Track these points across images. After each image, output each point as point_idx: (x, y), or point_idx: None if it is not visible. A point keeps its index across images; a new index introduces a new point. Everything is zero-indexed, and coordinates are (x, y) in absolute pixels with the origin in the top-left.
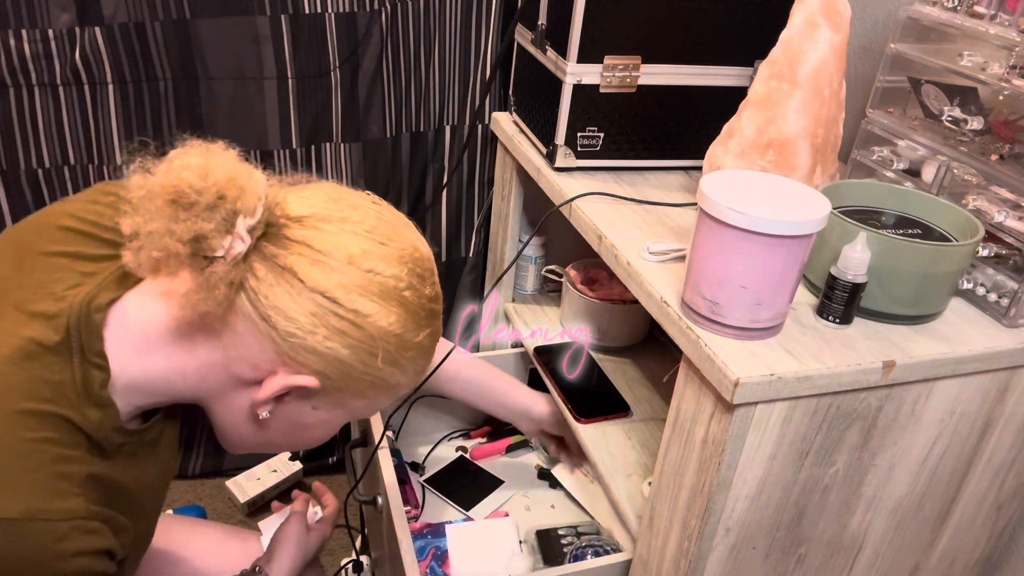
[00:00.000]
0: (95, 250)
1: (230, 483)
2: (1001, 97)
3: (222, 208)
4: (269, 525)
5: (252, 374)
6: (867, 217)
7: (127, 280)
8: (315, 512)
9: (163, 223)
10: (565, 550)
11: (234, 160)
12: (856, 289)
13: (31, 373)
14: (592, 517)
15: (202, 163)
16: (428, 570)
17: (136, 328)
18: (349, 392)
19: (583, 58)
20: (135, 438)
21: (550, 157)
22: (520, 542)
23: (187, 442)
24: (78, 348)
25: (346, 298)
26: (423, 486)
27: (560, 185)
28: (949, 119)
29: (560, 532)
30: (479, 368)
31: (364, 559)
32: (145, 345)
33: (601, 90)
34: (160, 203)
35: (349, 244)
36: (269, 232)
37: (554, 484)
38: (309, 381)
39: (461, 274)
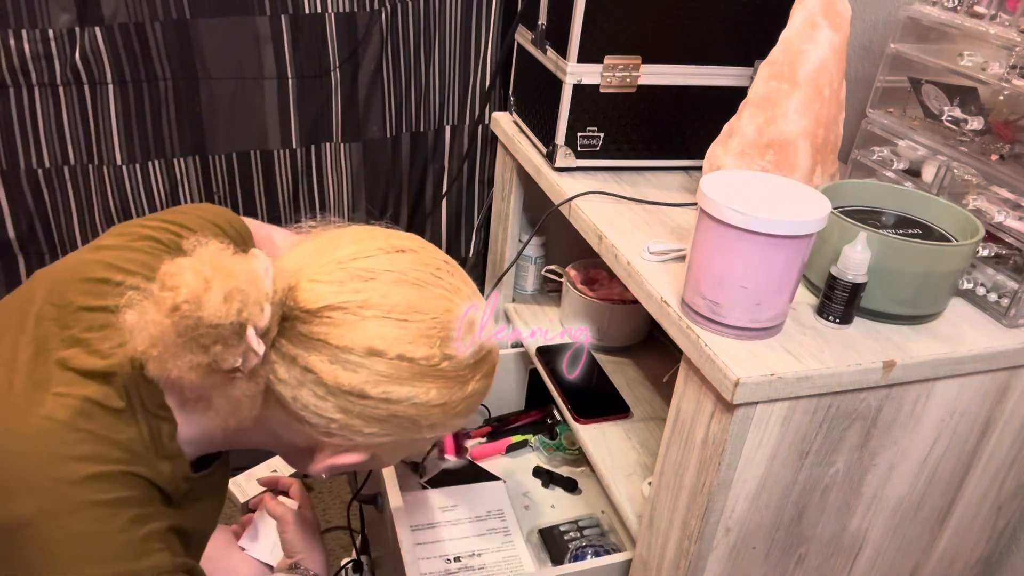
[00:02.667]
0: None
1: (230, 483)
2: (1001, 97)
3: (231, 326)
4: (267, 523)
5: (305, 444)
6: (867, 217)
7: None
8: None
9: (173, 346)
10: (570, 545)
11: (230, 261)
12: (856, 289)
13: (95, 435)
14: None
15: (195, 284)
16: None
17: (188, 389)
18: (399, 450)
19: (583, 58)
20: (200, 483)
21: (550, 157)
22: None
23: None
24: (140, 403)
25: (375, 391)
26: (423, 487)
27: (560, 185)
28: (949, 119)
29: (563, 528)
30: None
31: (364, 559)
32: (199, 408)
33: (601, 90)
34: (168, 332)
35: (370, 335)
36: (285, 327)
37: (547, 483)
38: (356, 458)
39: None
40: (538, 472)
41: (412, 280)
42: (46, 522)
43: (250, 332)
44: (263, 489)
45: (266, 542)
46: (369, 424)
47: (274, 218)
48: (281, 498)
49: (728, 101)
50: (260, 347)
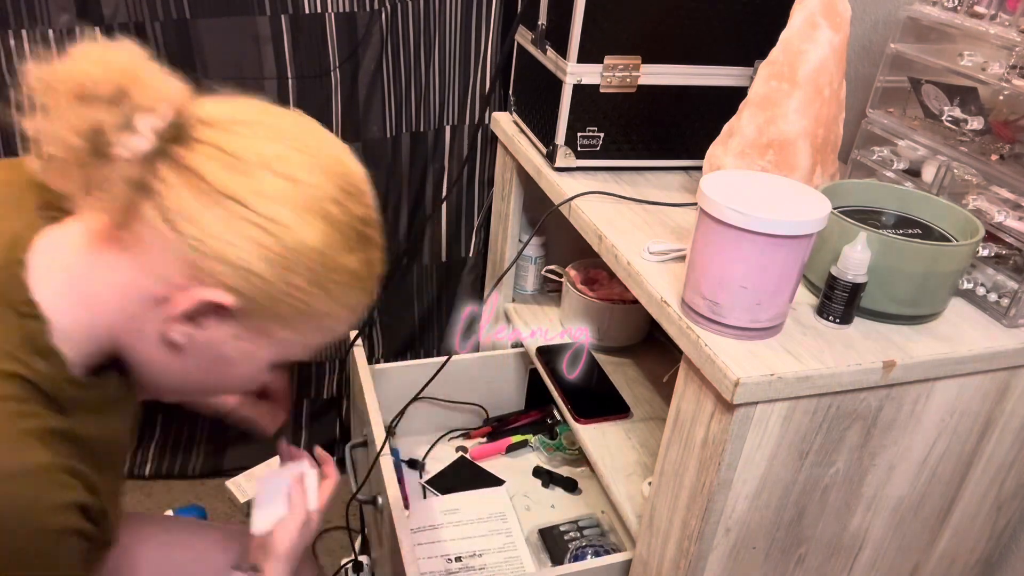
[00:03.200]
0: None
1: (230, 483)
2: (1001, 97)
3: (125, 104)
4: (267, 482)
5: (164, 290)
6: (867, 217)
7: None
8: (312, 474)
9: (62, 116)
10: (570, 545)
11: (143, 59)
12: (856, 289)
13: None
14: None
15: (104, 54)
16: None
17: (57, 266)
18: (272, 317)
19: (583, 58)
20: (93, 392)
21: (550, 157)
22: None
23: (187, 442)
24: (8, 301)
25: (260, 204)
26: (424, 487)
27: (560, 185)
28: (949, 119)
29: (563, 528)
30: None
31: (364, 559)
32: (68, 279)
33: (601, 90)
34: (61, 100)
35: (264, 148)
36: (179, 136)
37: (547, 483)
38: (223, 297)
39: (461, 274)
40: (538, 472)
41: (314, 133)
42: None
43: (142, 118)
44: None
45: (265, 489)
46: (245, 245)
47: None
48: (310, 466)
49: (728, 101)
50: (149, 135)
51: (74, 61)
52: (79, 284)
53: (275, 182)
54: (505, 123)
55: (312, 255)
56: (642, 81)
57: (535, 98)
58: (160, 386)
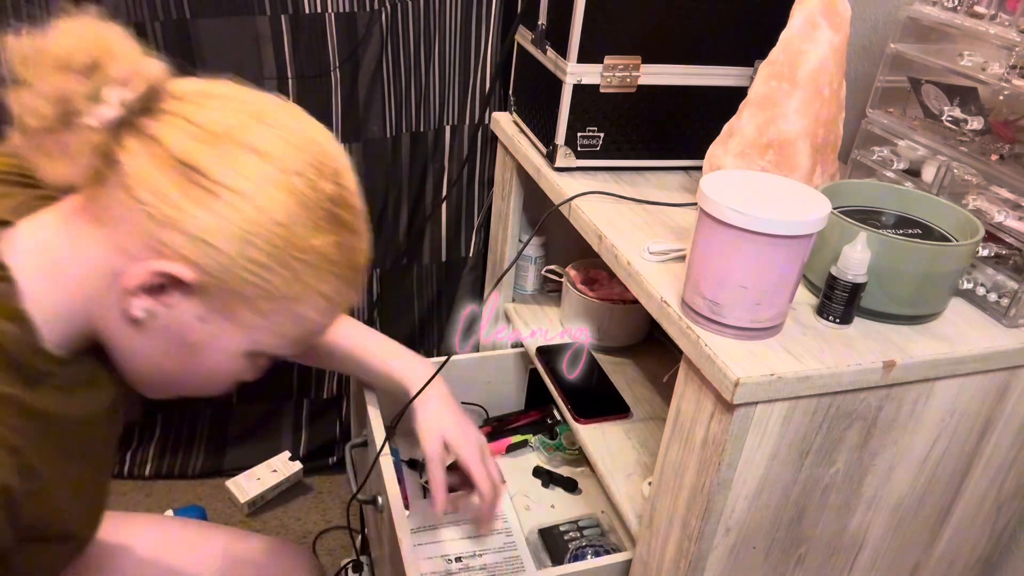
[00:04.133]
0: None
1: (230, 483)
2: (1001, 97)
3: (97, 75)
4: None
5: (124, 262)
6: (867, 217)
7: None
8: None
9: (38, 89)
10: (570, 545)
11: (122, 35)
12: (856, 289)
13: None
14: None
15: (82, 28)
16: None
17: (32, 238)
18: (235, 296)
19: (583, 58)
20: (66, 370)
21: (550, 157)
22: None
23: (187, 442)
24: None
25: (220, 173)
26: (424, 487)
27: (560, 185)
28: (949, 119)
29: (563, 528)
30: (353, 338)
31: (364, 559)
32: (41, 250)
33: (601, 90)
34: (40, 72)
35: (232, 120)
36: (147, 108)
37: (547, 483)
38: (180, 270)
39: (461, 274)
40: (538, 472)
41: (289, 112)
42: None
43: (109, 89)
44: (263, 489)
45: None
46: (200, 214)
47: None
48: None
49: (728, 101)
50: (116, 105)
51: (54, 34)
52: (51, 254)
53: (239, 153)
54: (505, 123)
55: (273, 228)
56: (642, 81)
57: (535, 98)
58: (133, 372)
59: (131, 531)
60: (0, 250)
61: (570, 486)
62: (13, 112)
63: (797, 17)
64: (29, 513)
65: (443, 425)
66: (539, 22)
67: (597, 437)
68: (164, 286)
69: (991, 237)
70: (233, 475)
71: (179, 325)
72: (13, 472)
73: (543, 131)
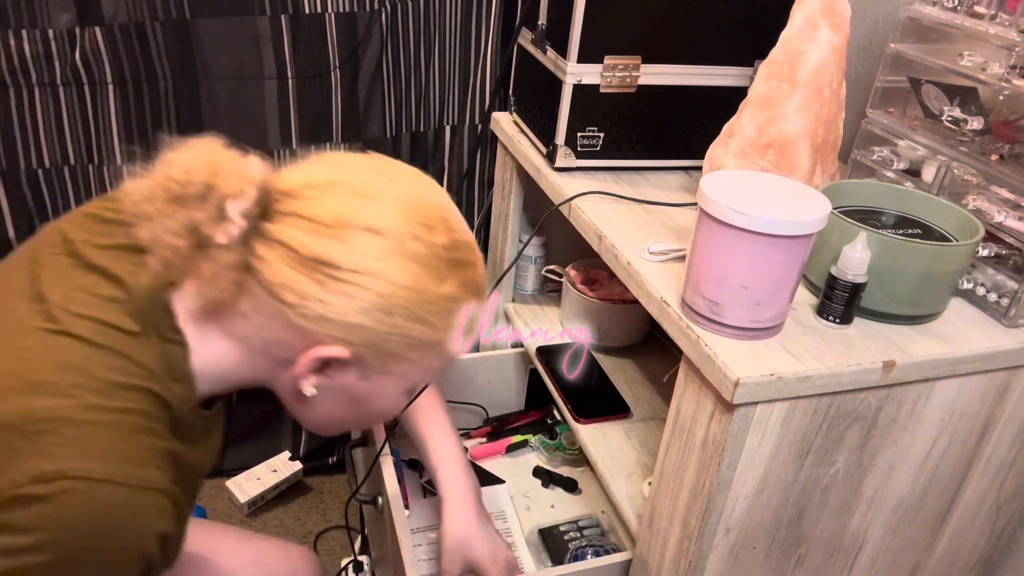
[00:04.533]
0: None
1: (230, 483)
2: (1001, 97)
3: (213, 196)
4: None
5: (288, 355)
6: (867, 217)
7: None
8: None
9: (163, 222)
10: (570, 545)
11: (219, 149)
12: (856, 289)
13: (115, 352)
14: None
15: (185, 157)
16: None
17: (191, 316)
18: (387, 356)
19: (583, 58)
20: (204, 422)
21: (550, 157)
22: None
23: None
24: (153, 326)
25: (344, 260)
26: (424, 487)
27: (560, 185)
28: (949, 119)
29: (563, 528)
30: (423, 423)
31: (364, 559)
32: (201, 332)
33: (601, 90)
34: (159, 204)
35: (338, 205)
36: (265, 211)
37: (547, 483)
38: (336, 352)
39: None
40: (538, 472)
41: (385, 174)
42: (62, 421)
43: (230, 205)
44: (263, 489)
45: None
46: (340, 301)
47: None
48: None
49: (728, 101)
50: (239, 220)
51: (162, 169)
52: (211, 338)
53: (356, 237)
54: (505, 123)
55: (404, 295)
56: (642, 81)
57: (535, 98)
58: (309, 424)
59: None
60: (176, 313)
61: (570, 486)
62: (147, 247)
63: (797, 17)
64: (168, 555)
65: (469, 544)
66: (539, 22)
67: (597, 437)
68: (326, 364)
69: (991, 237)
70: (233, 475)
71: (345, 388)
72: (174, 520)
73: (543, 131)
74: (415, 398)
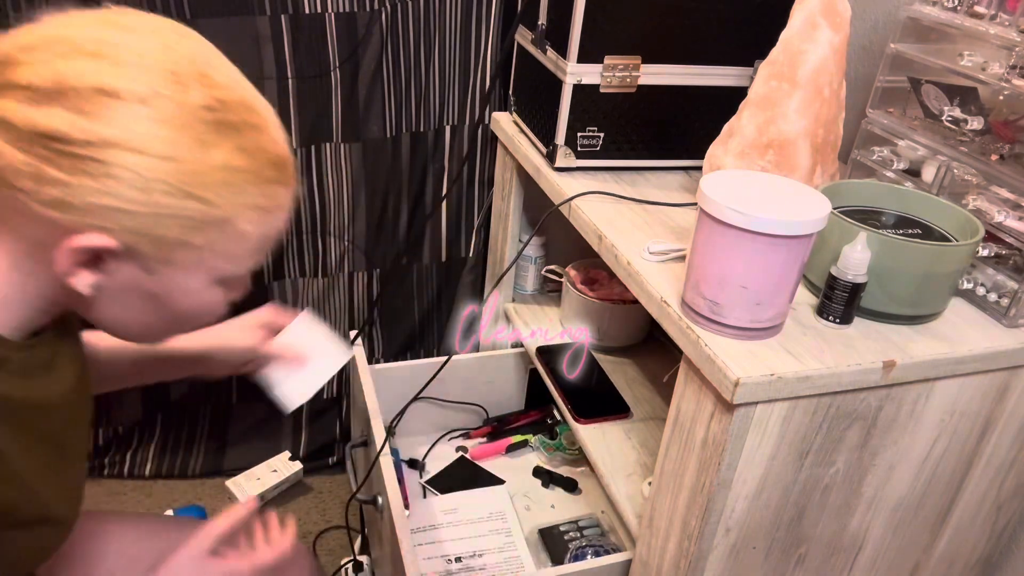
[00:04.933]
0: None
1: (230, 483)
2: (1001, 97)
3: None
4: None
5: (44, 253)
6: (867, 217)
7: None
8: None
9: None
10: (570, 545)
11: None
12: (856, 289)
13: None
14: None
15: None
16: None
17: None
18: (165, 243)
19: (583, 58)
20: (21, 355)
21: (550, 157)
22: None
23: (187, 442)
24: None
25: (74, 131)
26: (424, 487)
27: (560, 185)
28: (949, 119)
29: (563, 528)
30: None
31: (364, 559)
32: None
33: (601, 90)
34: None
35: (59, 66)
36: None
37: (547, 483)
38: (96, 240)
39: (461, 274)
40: (538, 472)
41: (126, 27)
42: None
43: None
44: (263, 489)
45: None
46: (84, 180)
47: None
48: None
49: (728, 101)
50: None
51: None
52: None
53: (86, 101)
54: (505, 123)
55: (161, 165)
56: (642, 81)
57: (535, 98)
58: (124, 334)
59: (129, 531)
60: None
61: (570, 486)
62: None
63: (797, 17)
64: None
65: None
66: (539, 22)
67: (597, 437)
68: (96, 258)
69: (991, 237)
70: (233, 475)
71: (133, 284)
72: None
73: (543, 131)
74: (242, 299)
